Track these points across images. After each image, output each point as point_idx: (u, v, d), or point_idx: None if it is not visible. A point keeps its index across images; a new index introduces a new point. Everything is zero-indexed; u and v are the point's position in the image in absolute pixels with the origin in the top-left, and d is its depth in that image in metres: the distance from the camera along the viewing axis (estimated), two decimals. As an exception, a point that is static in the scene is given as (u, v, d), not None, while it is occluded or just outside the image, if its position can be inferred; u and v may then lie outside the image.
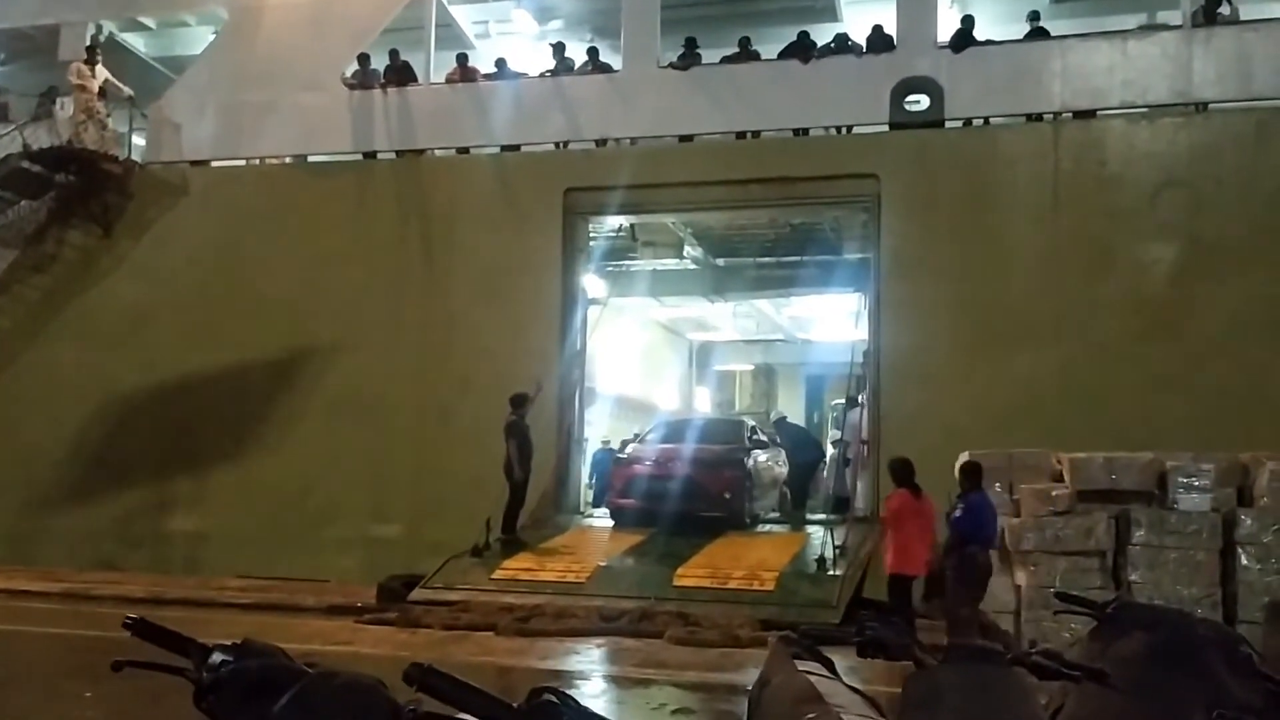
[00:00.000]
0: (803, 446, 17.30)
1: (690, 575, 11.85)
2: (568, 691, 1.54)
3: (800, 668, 2.72)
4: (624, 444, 16.57)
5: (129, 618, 1.78)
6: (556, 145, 15.57)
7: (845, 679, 2.76)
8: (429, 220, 15.31)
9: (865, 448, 14.14)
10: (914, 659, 2.21)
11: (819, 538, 13.16)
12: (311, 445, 14.66)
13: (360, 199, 15.45)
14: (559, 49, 16.28)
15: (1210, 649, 2.57)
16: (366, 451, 14.55)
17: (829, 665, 2.83)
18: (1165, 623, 2.71)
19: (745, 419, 18.35)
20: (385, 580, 12.16)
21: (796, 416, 23.11)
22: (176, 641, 1.75)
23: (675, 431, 15.97)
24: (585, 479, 16.82)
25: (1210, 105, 13.39)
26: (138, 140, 17.07)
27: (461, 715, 1.57)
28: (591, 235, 16.52)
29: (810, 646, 2.89)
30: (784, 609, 10.69)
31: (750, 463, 14.74)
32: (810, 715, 2.39)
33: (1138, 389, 12.29)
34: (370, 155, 16.03)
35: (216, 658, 1.68)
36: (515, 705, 1.55)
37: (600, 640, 10.20)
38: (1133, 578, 9.32)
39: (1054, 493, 9.68)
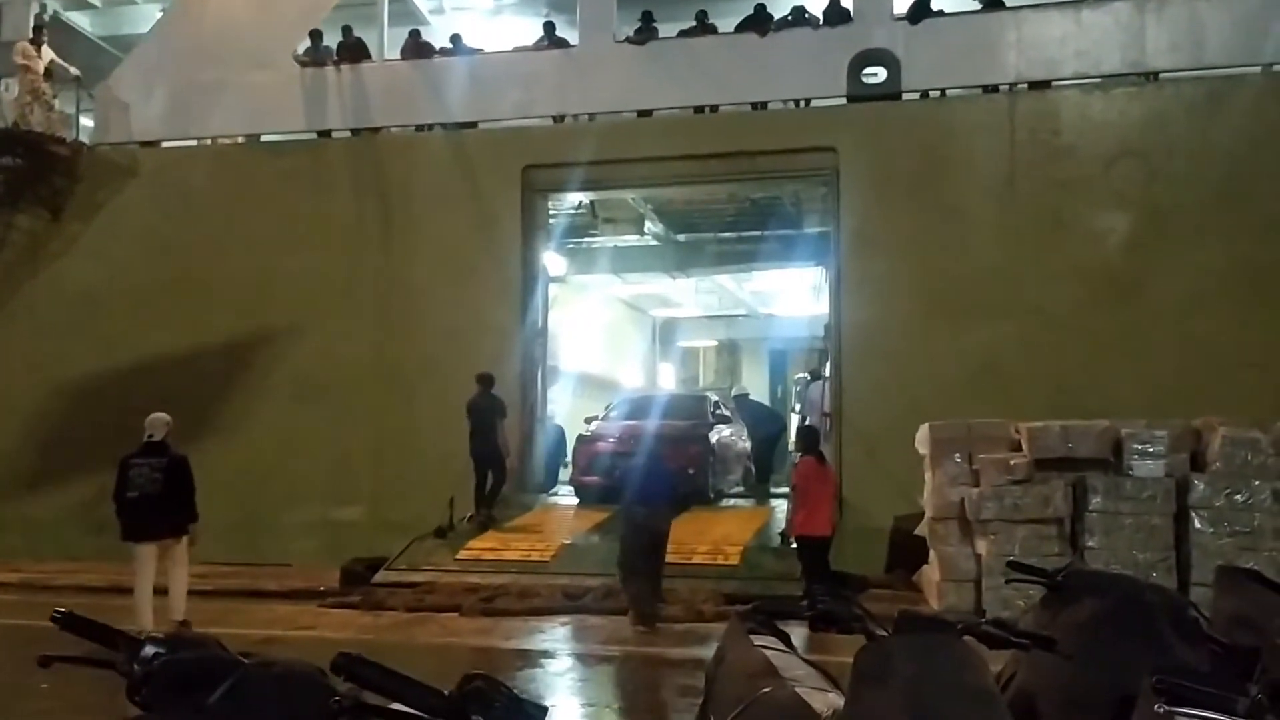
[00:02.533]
0: (763, 421, 17.36)
1: (655, 551, 11.84)
2: (500, 679, 1.53)
3: (756, 642, 2.72)
4: (588, 420, 16.56)
5: (57, 611, 1.73)
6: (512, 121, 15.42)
7: (801, 652, 2.76)
8: (386, 199, 15.10)
9: (828, 421, 14.20)
10: (865, 631, 2.22)
11: (783, 512, 13.23)
12: (271, 428, 14.48)
13: (315, 178, 15.20)
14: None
15: (1158, 614, 2.61)
16: (327, 433, 14.40)
17: (785, 639, 2.83)
18: (1114, 589, 2.74)
19: (709, 394, 18.40)
20: (348, 563, 12.05)
21: (760, 391, 23.21)
22: (106, 634, 1.70)
23: (639, 408, 15.97)
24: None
25: (1163, 75, 13.49)
26: (86, 121, 16.71)
27: (395, 704, 1.54)
28: (551, 212, 16.40)
29: (766, 621, 2.89)
30: (748, 583, 10.74)
31: (714, 438, 14.79)
32: (765, 689, 2.39)
33: (1093, 358, 12.44)
34: (324, 134, 15.77)
35: (149, 650, 1.64)
36: (446, 692, 1.53)
37: (565, 618, 10.22)
38: (1090, 544, 9.49)
39: (1012, 462, 9.81)
